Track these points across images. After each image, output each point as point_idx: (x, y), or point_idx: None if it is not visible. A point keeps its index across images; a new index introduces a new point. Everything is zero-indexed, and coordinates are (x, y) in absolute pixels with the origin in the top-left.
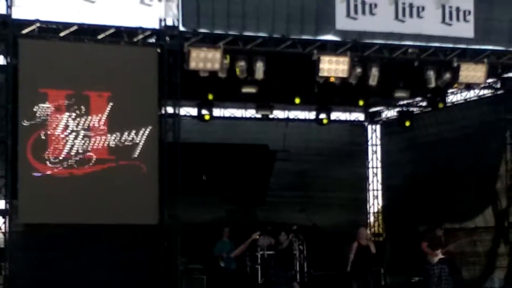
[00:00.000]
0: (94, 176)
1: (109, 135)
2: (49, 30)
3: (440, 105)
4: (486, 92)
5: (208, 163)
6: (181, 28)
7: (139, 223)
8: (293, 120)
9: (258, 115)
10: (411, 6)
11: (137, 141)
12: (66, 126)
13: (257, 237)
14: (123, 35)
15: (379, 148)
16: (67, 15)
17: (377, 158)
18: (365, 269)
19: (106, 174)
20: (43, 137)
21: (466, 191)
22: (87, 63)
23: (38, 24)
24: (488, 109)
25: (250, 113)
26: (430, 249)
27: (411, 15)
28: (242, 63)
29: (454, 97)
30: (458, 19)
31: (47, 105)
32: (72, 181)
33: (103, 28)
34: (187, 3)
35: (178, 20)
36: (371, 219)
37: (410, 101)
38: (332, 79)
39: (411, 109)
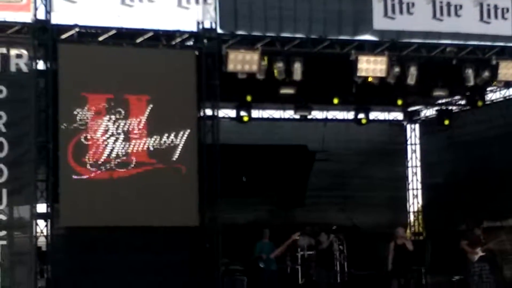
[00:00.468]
0: (134, 179)
1: (148, 138)
2: (88, 35)
3: (479, 103)
4: None
5: (247, 164)
6: (219, 31)
7: (180, 225)
8: (332, 120)
9: (297, 116)
10: (448, 4)
11: (177, 144)
12: (106, 130)
13: (297, 237)
14: (161, 39)
15: (418, 147)
16: (106, 19)
17: (416, 157)
18: (404, 267)
19: (146, 176)
20: (83, 141)
21: (506, 189)
22: (126, 67)
23: (77, 29)
24: None
25: (289, 114)
26: (470, 247)
27: (449, 13)
28: (280, 64)
29: (493, 95)
30: (496, 16)
31: (87, 109)
32: (113, 184)
33: (142, 32)
34: (224, 5)
35: (215, 22)
36: (411, 218)
37: (449, 99)
38: (370, 79)
39: (450, 107)
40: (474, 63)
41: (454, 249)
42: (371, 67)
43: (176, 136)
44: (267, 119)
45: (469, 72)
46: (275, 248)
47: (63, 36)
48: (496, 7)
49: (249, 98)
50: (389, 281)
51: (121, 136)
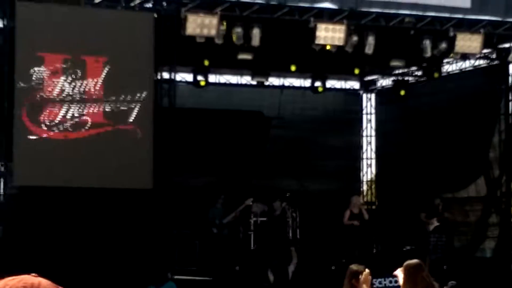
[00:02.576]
0: (89, 140)
1: (105, 99)
2: None
3: (436, 75)
4: (482, 62)
5: (203, 129)
6: None
7: (133, 187)
8: (288, 87)
9: (254, 82)
10: None
11: (133, 106)
12: (62, 90)
13: (250, 203)
14: (120, 0)
15: (373, 116)
16: None
17: (371, 127)
18: (358, 236)
19: (101, 138)
20: (39, 100)
21: (459, 161)
22: (84, 27)
23: None
24: (483, 79)
25: (246, 79)
26: (427, 218)
27: None
28: (238, 30)
29: (450, 67)
30: None
31: (43, 68)
32: (67, 144)
33: None
34: None
35: None
36: (364, 187)
37: (405, 70)
38: (328, 47)
39: (406, 78)
40: (432, 34)
41: (406, 219)
42: (330, 35)
43: (132, 99)
44: (224, 84)
45: (427, 43)
46: (228, 213)
47: None
48: None
49: (206, 62)
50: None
51: (77, 97)
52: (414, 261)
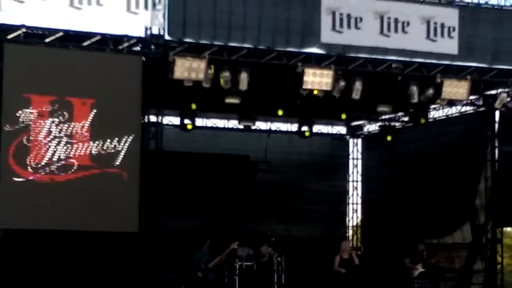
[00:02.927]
0: (75, 183)
1: (91, 142)
2: (34, 36)
3: (422, 121)
4: (468, 108)
5: (189, 173)
6: (167, 37)
7: (119, 231)
8: (275, 131)
9: (241, 126)
10: (396, 21)
11: (120, 149)
12: (49, 132)
13: (236, 246)
14: (109, 43)
15: (360, 162)
16: (53, 21)
17: (357, 172)
18: (350, 281)
19: (88, 181)
20: (25, 143)
21: (445, 207)
22: (72, 69)
23: (24, 30)
24: (469, 126)
25: (233, 123)
26: (411, 263)
27: (396, 30)
28: (226, 74)
29: (436, 113)
30: (442, 35)
31: (30, 110)
32: (53, 187)
33: (89, 35)
34: (173, 12)
35: (164, 29)
36: (350, 232)
37: (392, 115)
38: (315, 92)
39: (393, 123)
40: (419, 80)
41: (392, 265)
42: (317, 80)
43: (119, 142)
44: (211, 128)
45: (414, 89)
46: (213, 257)
47: (10, 36)
48: (443, 25)
49: (194, 106)
50: None
51: (64, 139)
52: None
